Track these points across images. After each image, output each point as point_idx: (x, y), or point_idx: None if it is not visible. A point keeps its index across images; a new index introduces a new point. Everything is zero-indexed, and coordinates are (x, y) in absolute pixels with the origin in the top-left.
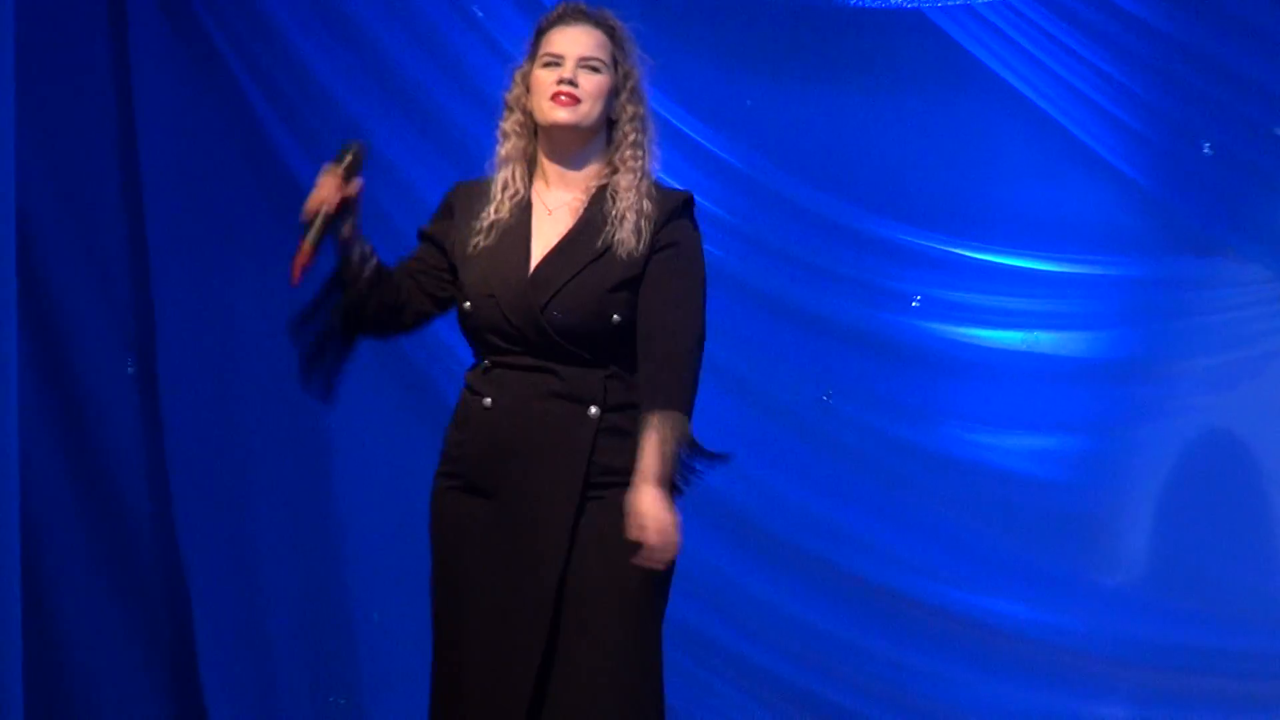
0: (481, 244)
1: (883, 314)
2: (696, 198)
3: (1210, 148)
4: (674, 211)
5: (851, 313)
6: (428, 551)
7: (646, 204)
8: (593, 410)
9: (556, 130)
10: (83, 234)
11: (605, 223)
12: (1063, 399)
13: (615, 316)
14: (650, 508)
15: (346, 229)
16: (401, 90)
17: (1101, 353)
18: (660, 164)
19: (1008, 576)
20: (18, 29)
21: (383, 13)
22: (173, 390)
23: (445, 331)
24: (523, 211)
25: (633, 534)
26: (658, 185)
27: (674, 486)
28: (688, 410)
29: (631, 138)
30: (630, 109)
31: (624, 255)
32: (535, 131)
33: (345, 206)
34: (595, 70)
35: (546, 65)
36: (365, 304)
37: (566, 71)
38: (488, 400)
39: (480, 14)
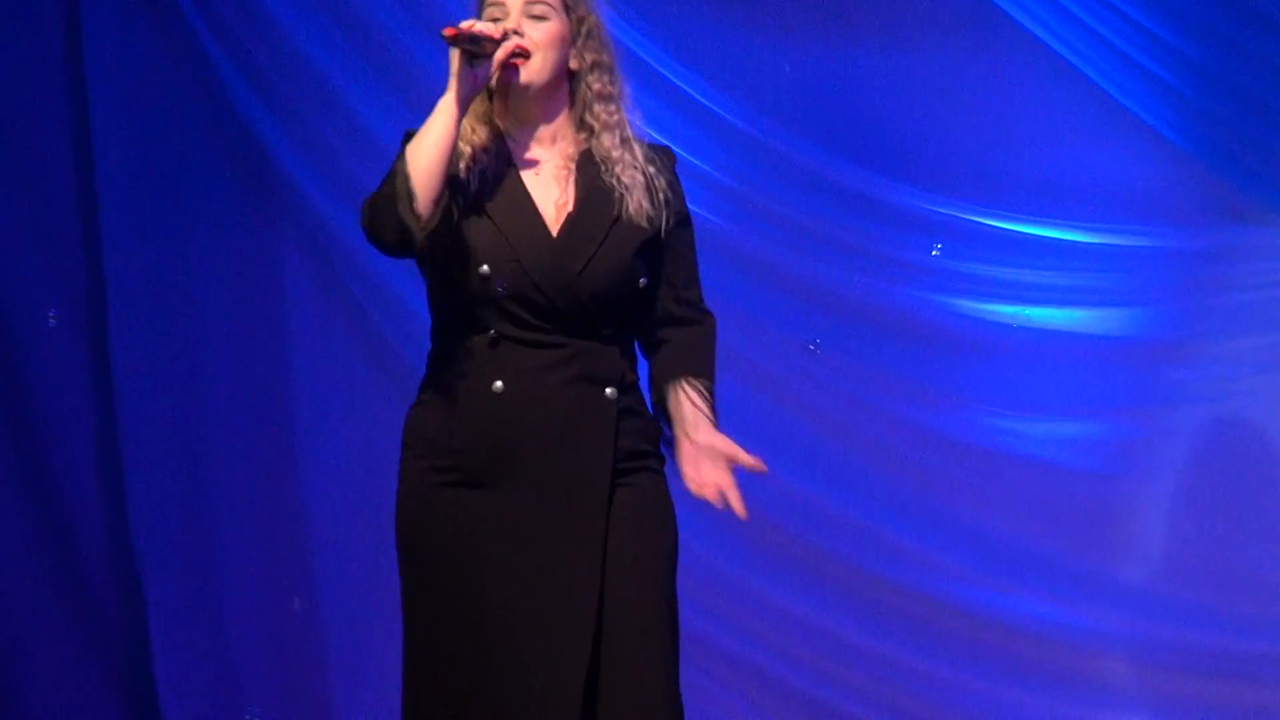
0: (478, 199)
1: (900, 288)
2: (696, 162)
3: (1257, 108)
4: (676, 175)
5: (866, 288)
6: (393, 551)
7: (650, 169)
8: (609, 391)
9: (511, 92)
10: (32, 208)
11: (610, 190)
12: (1096, 382)
13: (642, 280)
14: (728, 447)
15: (490, 69)
16: (368, 38)
17: (1138, 331)
18: (641, 114)
19: (1035, 574)
20: None
21: None
22: (128, 373)
23: (416, 301)
24: (505, 168)
25: (716, 474)
26: (645, 143)
27: (663, 463)
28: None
29: (597, 88)
30: (590, 57)
31: (641, 221)
32: (490, 92)
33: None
34: (543, 18)
35: (491, 19)
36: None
37: (511, 23)
38: (498, 384)
39: None
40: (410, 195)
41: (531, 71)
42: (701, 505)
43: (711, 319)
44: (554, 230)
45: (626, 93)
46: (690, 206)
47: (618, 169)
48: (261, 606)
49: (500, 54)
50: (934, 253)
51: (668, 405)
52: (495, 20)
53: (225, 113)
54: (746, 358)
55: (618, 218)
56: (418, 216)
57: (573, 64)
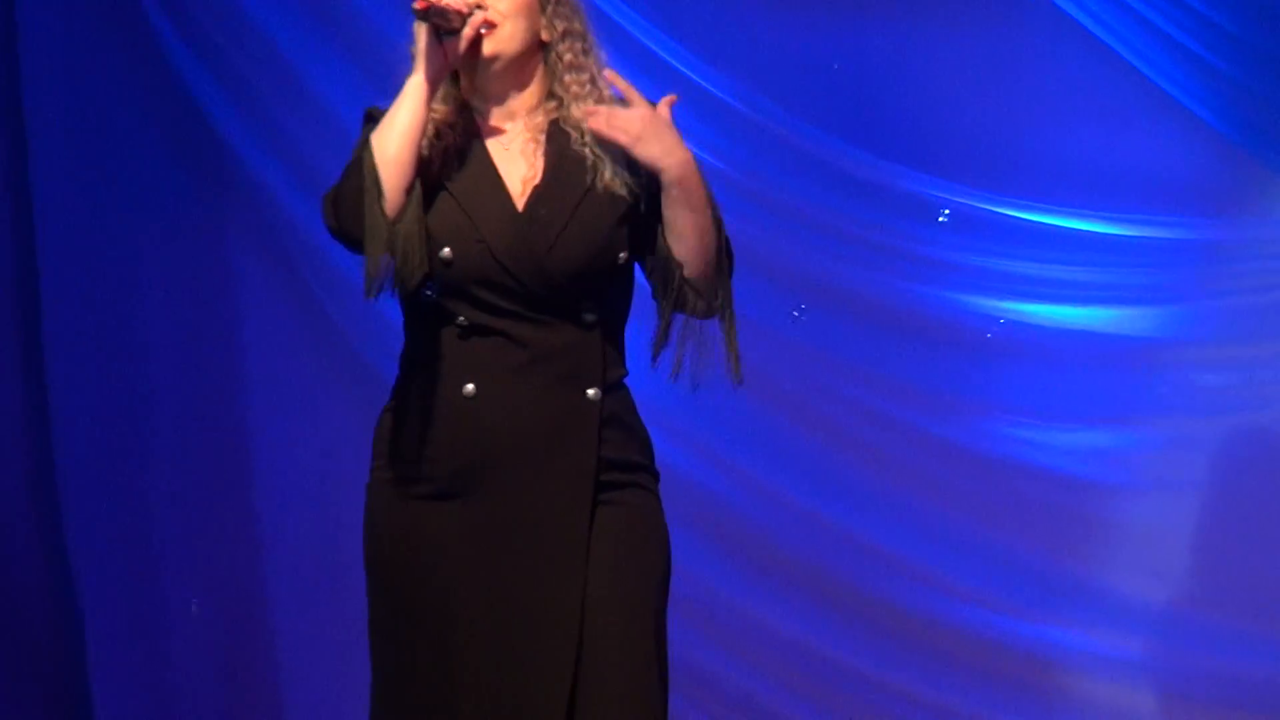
0: (443, 178)
1: (907, 284)
2: (695, 151)
3: None
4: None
5: (872, 283)
6: (357, 562)
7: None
8: (591, 393)
9: (478, 65)
10: None
11: (582, 159)
12: (1123, 387)
13: (621, 254)
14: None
15: (458, 45)
16: (332, 12)
17: (1170, 332)
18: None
19: (1050, 596)
20: None
21: None
22: (64, 374)
23: (380, 299)
24: (472, 143)
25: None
26: (619, 103)
27: (656, 479)
28: (729, 271)
29: (568, 58)
30: (560, 25)
31: (618, 189)
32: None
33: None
34: None
35: None
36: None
37: None
38: (470, 387)
39: None
40: (378, 187)
41: (499, 42)
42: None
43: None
44: (520, 205)
45: (602, 61)
46: None
47: (589, 137)
48: (205, 620)
49: (469, 28)
50: (940, 219)
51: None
52: None
53: (173, 92)
54: (742, 357)
55: (590, 188)
56: (388, 210)
57: (544, 34)
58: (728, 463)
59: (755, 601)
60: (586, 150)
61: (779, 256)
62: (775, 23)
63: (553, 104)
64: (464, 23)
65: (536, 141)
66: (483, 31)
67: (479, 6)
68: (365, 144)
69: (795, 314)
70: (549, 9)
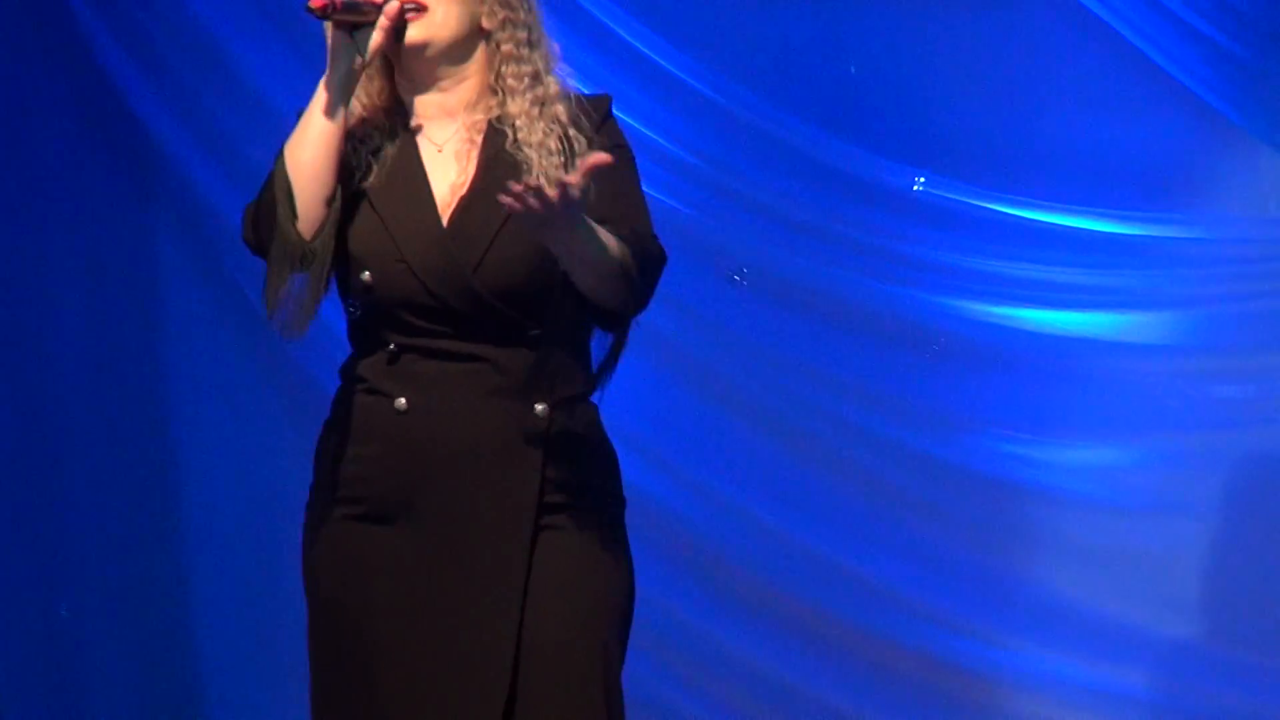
0: (367, 189)
1: (896, 288)
2: (656, 139)
3: None
4: (603, 115)
5: (855, 286)
6: (288, 567)
7: (569, 129)
8: (539, 408)
9: (406, 54)
10: None
11: (517, 164)
12: (1134, 400)
13: (564, 268)
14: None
15: (373, 44)
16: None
17: (1185, 339)
18: (570, 72)
19: (1057, 629)
20: None
21: None
22: None
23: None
24: (402, 146)
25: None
26: (571, 97)
27: (620, 504)
28: (644, 280)
29: (506, 49)
30: (502, 11)
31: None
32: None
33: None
34: None
35: None
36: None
37: None
38: (401, 401)
39: None
40: (290, 202)
41: (430, 27)
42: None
43: (661, 250)
44: (445, 219)
45: (553, 55)
46: (649, 192)
47: (525, 137)
48: (126, 638)
49: (384, 18)
50: (916, 187)
51: None
52: None
53: (89, 73)
54: (715, 372)
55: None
56: (301, 226)
57: (484, 21)
58: (696, 482)
59: (724, 632)
60: (521, 153)
61: (753, 258)
62: (753, 3)
63: (493, 100)
64: (378, 12)
65: (472, 142)
66: (409, 16)
67: None
68: (279, 154)
69: (736, 277)
70: None
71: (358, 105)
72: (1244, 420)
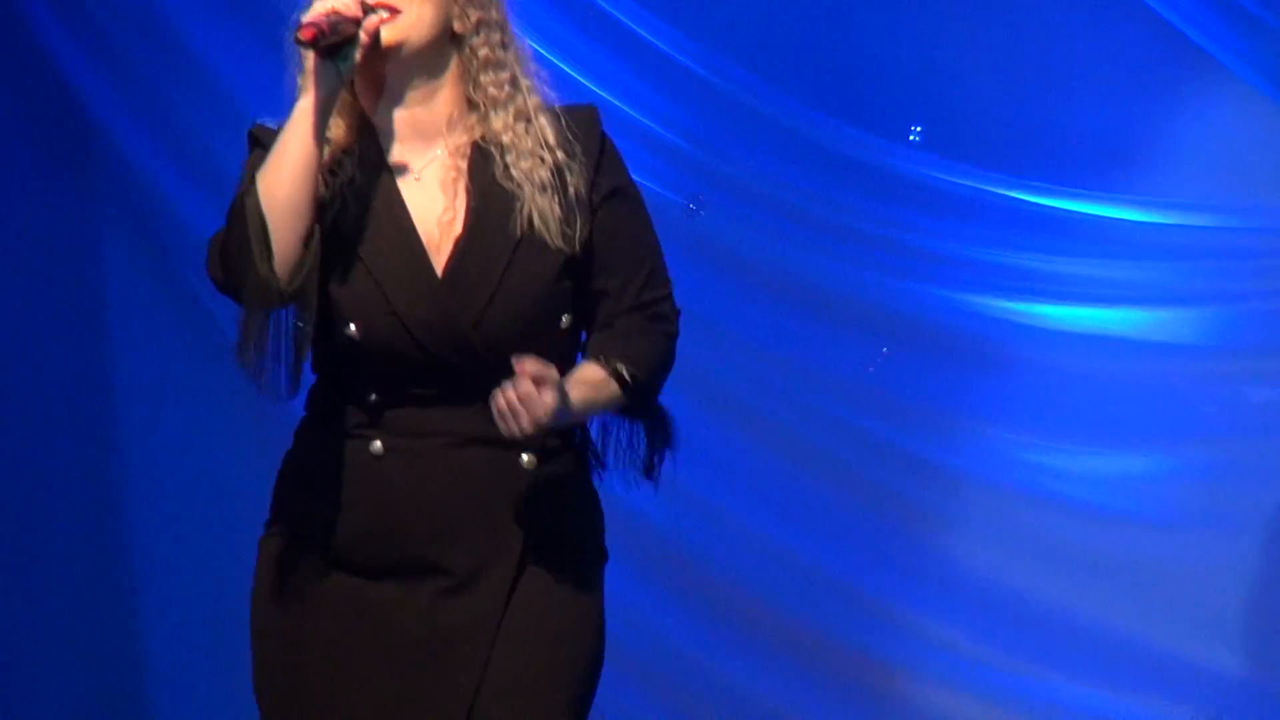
0: (343, 225)
1: (904, 283)
2: (641, 119)
3: None
4: (598, 143)
5: (859, 281)
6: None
7: (558, 154)
8: (525, 458)
9: (378, 62)
10: None
11: (508, 193)
12: (1162, 404)
13: (565, 317)
14: (550, 406)
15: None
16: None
17: (1219, 339)
18: (547, 80)
19: (1074, 653)
20: None
21: None
22: None
23: None
24: (377, 175)
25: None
26: (554, 111)
27: (602, 558)
28: (651, 392)
29: (484, 54)
30: (475, 13)
31: (552, 235)
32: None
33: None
34: None
35: None
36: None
37: None
38: (377, 445)
39: None
40: (265, 240)
41: (402, 28)
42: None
43: (674, 321)
44: (439, 265)
45: (526, 55)
46: (640, 180)
47: (515, 161)
48: (69, 645)
49: (365, 33)
50: (912, 137)
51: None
52: None
53: (32, 58)
54: (706, 371)
55: (523, 237)
56: (279, 268)
57: (456, 25)
58: (689, 492)
59: (716, 654)
60: (514, 182)
61: (751, 250)
62: None
63: (473, 117)
64: (357, 27)
65: (457, 169)
66: (382, 19)
67: None
68: (249, 183)
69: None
70: None
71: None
72: None
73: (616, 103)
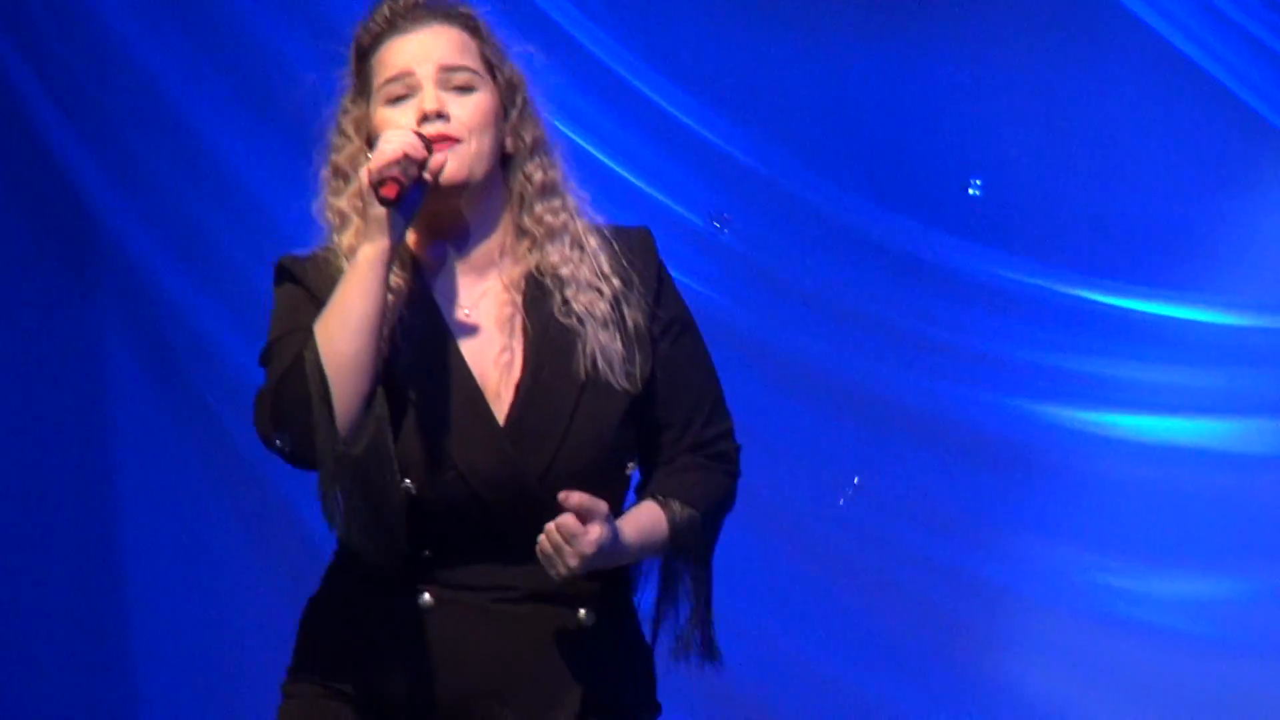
0: (394, 370)
1: (951, 385)
2: (674, 207)
3: None
4: (656, 271)
5: (903, 383)
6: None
7: (614, 282)
8: (583, 614)
9: (435, 199)
10: None
11: (568, 330)
12: (1247, 522)
13: (630, 464)
14: (596, 540)
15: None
16: (220, 37)
17: None
18: (588, 199)
19: None
20: None
21: None
22: None
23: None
24: (427, 314)
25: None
26: (603, 234)
27: (655, 714)
28: (708, 534)
29: (539, 179)
30: (529, 132)
31: (616, 376)
32: None
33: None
34: (467, 89)
35: (393, 100)
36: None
37: (430, 100)
38: (426, 597)
39: None
40: (327, 402)
41: (465, 162)
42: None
43: (735, 460)
44: (501, 415)
45: (564, 160)
46: (677, 277)
47: (574, 295)
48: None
49: (430, 174)
50: (972, 191)
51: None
52: (398, 99)
53: (37, 157)
54: (754, 485)
55: (588, 380)
56: (341, 428)
57: (508, 146)
58: (726, 607)
59: None
60: (574, 318)
61: (781, 345)
62: (786, 53)
63: (524, 245)
64: (423, 169)
65: (513, 304)
66: (438, 147)
67: (439, 115)
68: (304, 338)
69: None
70: (514, 112)
71: None
72: None
73: (658, 194)
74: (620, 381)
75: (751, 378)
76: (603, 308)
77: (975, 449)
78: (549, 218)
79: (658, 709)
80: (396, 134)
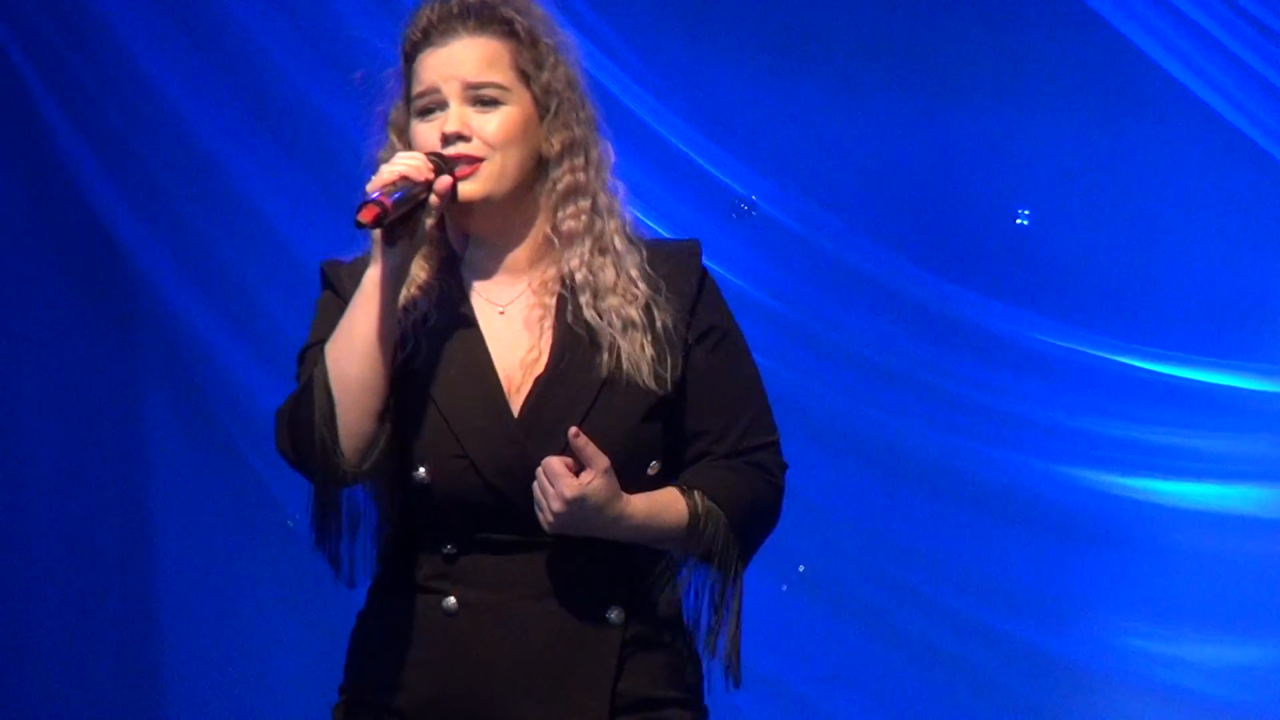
0: (415, 366)
1: (995, 450)
2: (720, 271)
3: None
4: (697, 279)
5: (952, 449)
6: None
7: (642, 286)
8: (613, 614)
9: (460, 212)
10: None
11: (595, 330)
12: None
13: (653, 463)
14: (584, 486)
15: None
16: (252, 75)
17: None
18: (627, 207)
19: None
20: None
21: None
22: None
23: None
24: (458, 313)
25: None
26: (647, 244)
27: (699, 704)
28: (735, 533)
29: (566, 183)
30: (562, 135)
31: (642, 376)
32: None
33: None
34: (495, 103)
35: (423, 113)
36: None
37: (452, 122)
38: (451, 600)
39: None
40: (331, 418)
41: (487, 181)
42: None
43: (778, 475)
44: (516, 406)
45: (608, 159)
46: None
47: (600, 297)
48: None
49: (436, 197)
50: (1019, 220)
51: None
52: (427, 112)
53: (75, 207)
54: (787, 545)
55: (610, 377)
56: (346, 448)
57: (543, 149)
58: (773, 678)
59: None
60: (601, 318)
61: (824, 411)
62: (833, 114)
63: (556, 247)
64: (428, 189)
65: (543, 306)
66: (460, 171)
67: (460, 136)
68: (317, 356)
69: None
70: (549, 118)
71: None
72: None
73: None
74: (647, 381)
75: (793, 438)
76: (631, 311)
77: (1022, 515)
78: (571, 222)
79: (703, 711)
80: (404, 156)
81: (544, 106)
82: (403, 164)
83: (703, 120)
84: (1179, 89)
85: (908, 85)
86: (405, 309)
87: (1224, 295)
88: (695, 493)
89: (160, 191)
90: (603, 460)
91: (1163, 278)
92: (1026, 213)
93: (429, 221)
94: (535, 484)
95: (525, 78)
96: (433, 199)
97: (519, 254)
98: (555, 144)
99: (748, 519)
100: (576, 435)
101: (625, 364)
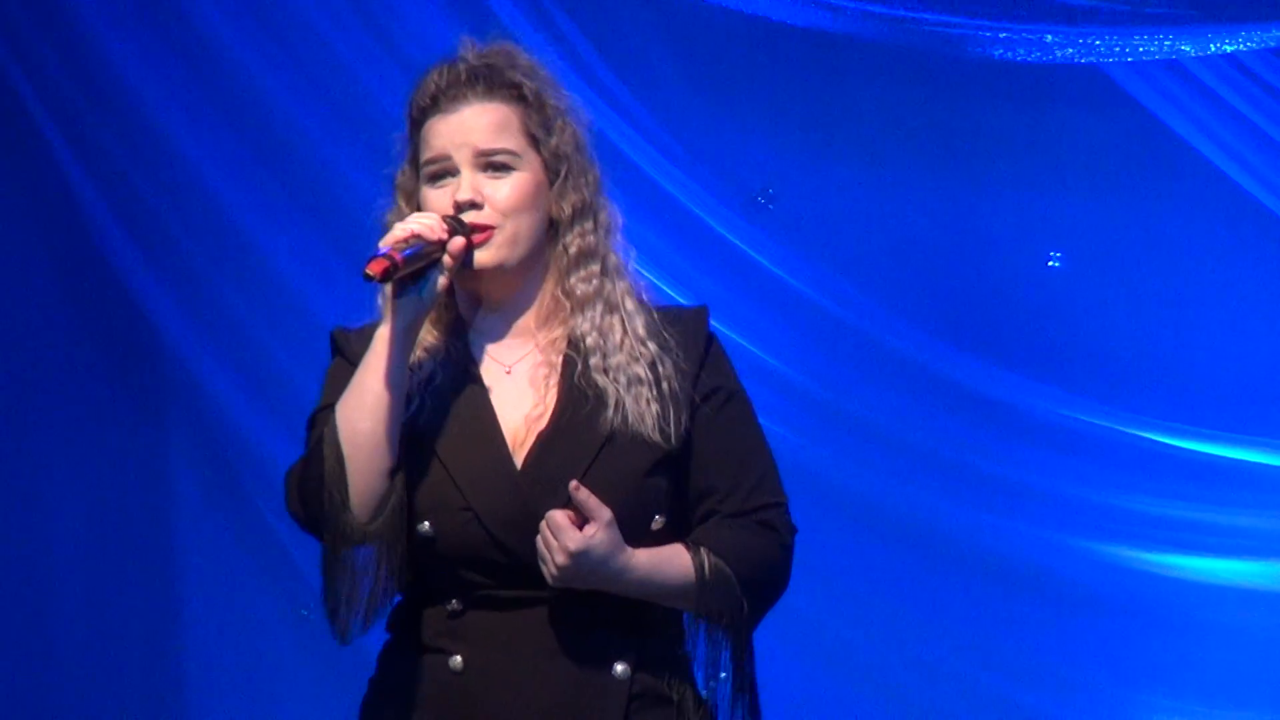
0: (421, 424)
1: (1019, 524)
2: (751, 349)
3: None
4: (704, 342)
5: (989, 528)
6: None
7: (650, 345)
8: (619, 669)
9: (472, 279)
10: None
11: (600, 388)
12: None
13: (657, 517)
14: (587, 540)
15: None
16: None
17: None
18: (634, 268)
19: None
20: None
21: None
22: None
23: None
24: (464, 372)
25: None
26: (657, 308)
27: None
28: (744, 593)
29: (576, 247)
30: (572, 198)
31: (647, 431)
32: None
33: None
34: (505, 168)
35: (434, 179)
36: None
37: (464, 190)
38: (456, 660)
39: None
40: (342, 480)
41: (501, 248)
42: None
43: (787, 535)
44: (520, 460)
45: (616, 223)
46: None
47: (607, 357)
48: None
49: (449, 258)
50: (1051, 263)
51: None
52: (437, 179)
53: (102, 280)
54: (807, 615)
55: (614, 432)
56: (356, 506)
57: (555, 212)
58: None
59: None
60: (606, 376)
61: (852, 486)
62: (866, 189)
63: (564, 309)
64: (441, 249)
65: (550, 365)
66: (475, 238)
67: (473, 204)
68: (326, 416)
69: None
70: (559, 182)
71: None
72: None
73: (722, 328)
74: (652, 435)
75: (827, 517)
76: (637, 368)
77: (1048, 590)
78: (582, 286)
79: None
80: (418, 216)
81: (554, 170)
82: (416, 223)
83: (723, 189)
84: (1209, 168)
85: (937, 164)
86: (411, 369)
87: (1248, 371)
88: (701, 549)
89: (189, 267)
90: (605, 513)
91: (1189, 354)
92: (1058, 254)
93: (441, 280)
94: (539, 537)
95: (534, 142)
96: (446, 259)
97: (528, 317)
98: (566, 208)
99: (755, 577)
100: (578, 488)
101: (630, 418)
